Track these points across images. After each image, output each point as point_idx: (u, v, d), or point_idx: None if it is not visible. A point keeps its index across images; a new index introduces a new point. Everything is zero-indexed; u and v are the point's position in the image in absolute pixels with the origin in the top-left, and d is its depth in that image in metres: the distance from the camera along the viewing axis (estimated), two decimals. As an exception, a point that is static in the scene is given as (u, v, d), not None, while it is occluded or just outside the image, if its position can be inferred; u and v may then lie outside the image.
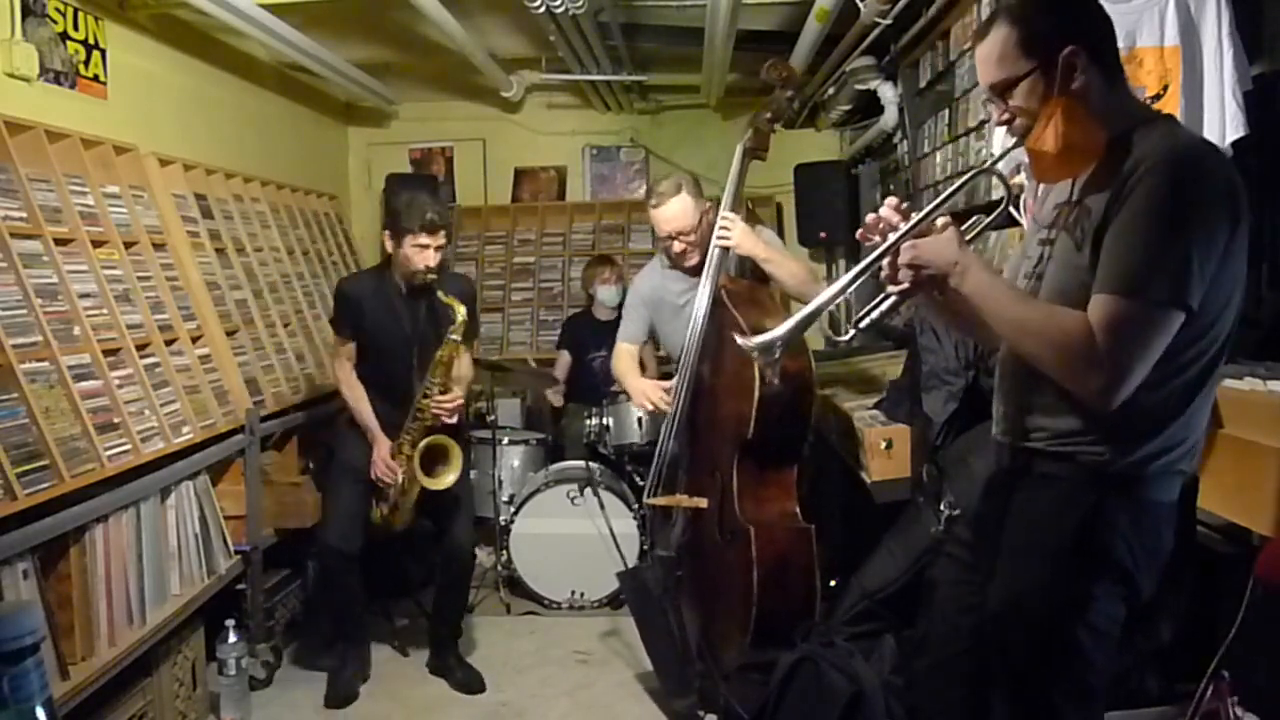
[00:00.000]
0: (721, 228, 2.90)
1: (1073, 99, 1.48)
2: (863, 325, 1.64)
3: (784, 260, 2.98)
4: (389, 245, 3.22)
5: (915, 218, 1.57)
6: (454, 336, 3.14)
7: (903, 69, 4.28)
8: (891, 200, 1.62)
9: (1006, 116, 1.56)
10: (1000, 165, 1.79)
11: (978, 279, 1.51)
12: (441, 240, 3.16)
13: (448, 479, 3.21)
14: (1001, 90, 1.54)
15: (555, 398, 4.79)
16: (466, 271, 5.92)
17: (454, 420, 3.23)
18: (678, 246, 3.05)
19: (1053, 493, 1.56)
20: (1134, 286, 1.39)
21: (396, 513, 3.30)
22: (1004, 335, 1.54)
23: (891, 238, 1.56)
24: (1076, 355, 1.42)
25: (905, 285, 1.56)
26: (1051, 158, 1.51)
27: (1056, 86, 1.48)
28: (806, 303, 1.67)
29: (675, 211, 3.00)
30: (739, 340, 1.69)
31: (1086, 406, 1.48)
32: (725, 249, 2.90)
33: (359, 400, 3.29)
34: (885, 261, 1.58)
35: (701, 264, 3.02)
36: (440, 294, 3.15)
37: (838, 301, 1.68)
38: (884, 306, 1.61)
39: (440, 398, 3.17)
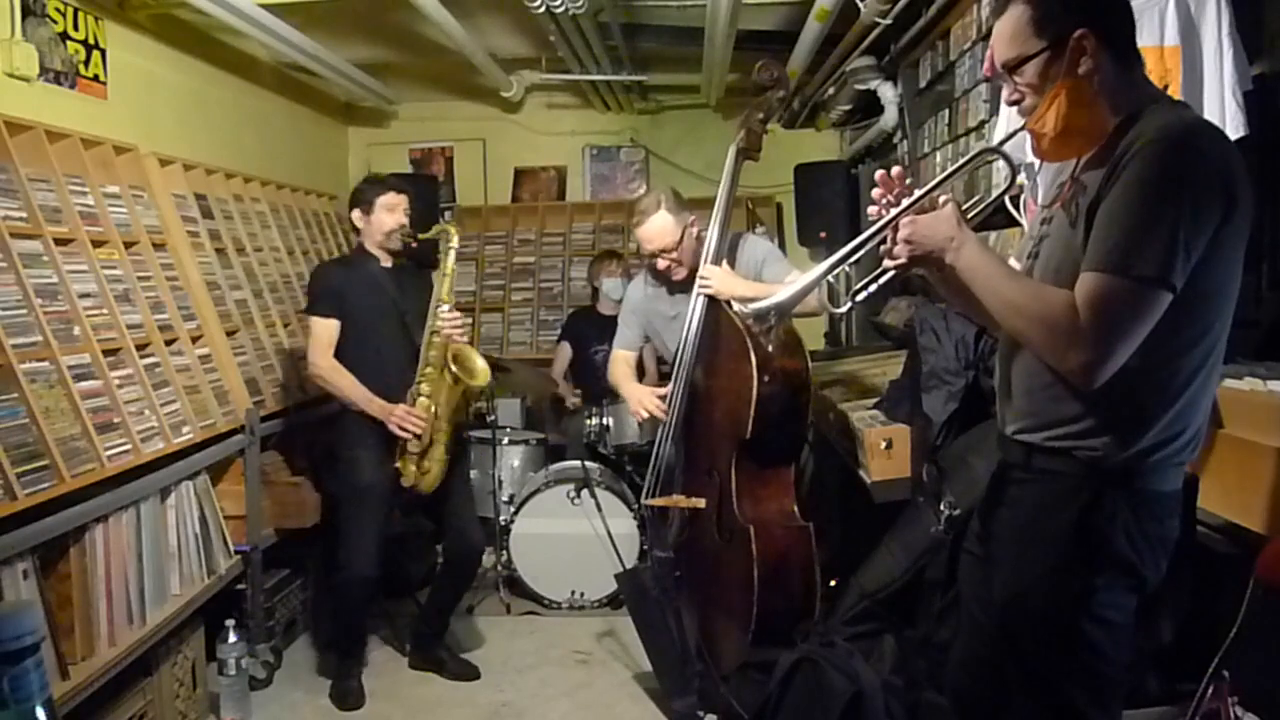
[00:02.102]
0: (702, 278, 2.89)
1: (1079, 82, 1.48)
2: (859, 297, 1.65)
3: (769, 291, 2.95)
4: (360, 221, 3.32)
5: (917, 193, 1.58)
6: (453, 245, 3.25)
7: (903, 69, 4.28)
8: (896, 170, 1.62)
9: (1016, 95, 1.57)
10: (1007, 148, 1.78)
11: (971, 256, 1.53)
12: (407, 204, 3.32)
13: (481, 377, 3.25)
14: (1012, 68, 1.55)
15: (571, 398, 4.73)
16: (466, 271, 5.93)
17: (465, 337, 3.28)
18: (661, 264, 3.05)
19: (1052, 487, 1.56)
20: (1118, 264, 1.39)
21: (427, 462, 3.22)
22: (994, 312, 1.54)
23: (892, 212, 1.58)
24: (1059, 332, 1.43)
25: (903, 259, 1.57)
26: (1051, 139, 1.51)
27: (1064, 68, 1.49)
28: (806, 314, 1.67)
29: (656, 230, 3.00)
30: (735, 305, 1.69)
31: (1077, 400, 1.48)
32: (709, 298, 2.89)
33: (350, 383, 3.18)
34: (885, 235, 1.59)
35: (689, 279, 3.02)
36: (422, 235, 3.29)
37: (835, 274, 1.67)
38: (882, 279, 1.62)
39: (448, 315, 3.20)
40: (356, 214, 3.32)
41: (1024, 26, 1.51)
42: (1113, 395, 1.45)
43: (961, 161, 1.71)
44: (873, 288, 1.63)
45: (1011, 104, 1.60)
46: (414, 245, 3.32)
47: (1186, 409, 1.48)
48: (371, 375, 3.21)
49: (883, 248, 1.61)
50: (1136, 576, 1.53)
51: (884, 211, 1.60)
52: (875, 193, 1.62)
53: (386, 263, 3.33)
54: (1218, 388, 1.94)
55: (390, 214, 3.27)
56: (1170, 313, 1.40)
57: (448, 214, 6.00)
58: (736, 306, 1.72)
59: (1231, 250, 1.44)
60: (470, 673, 3.40)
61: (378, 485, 3.23)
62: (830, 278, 1.67)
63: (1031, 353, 1.54)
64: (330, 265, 3.54)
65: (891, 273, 1.61)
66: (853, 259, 1.64)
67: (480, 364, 3.25)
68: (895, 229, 1.57)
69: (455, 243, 3.27)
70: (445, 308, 3.20)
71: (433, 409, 3.19)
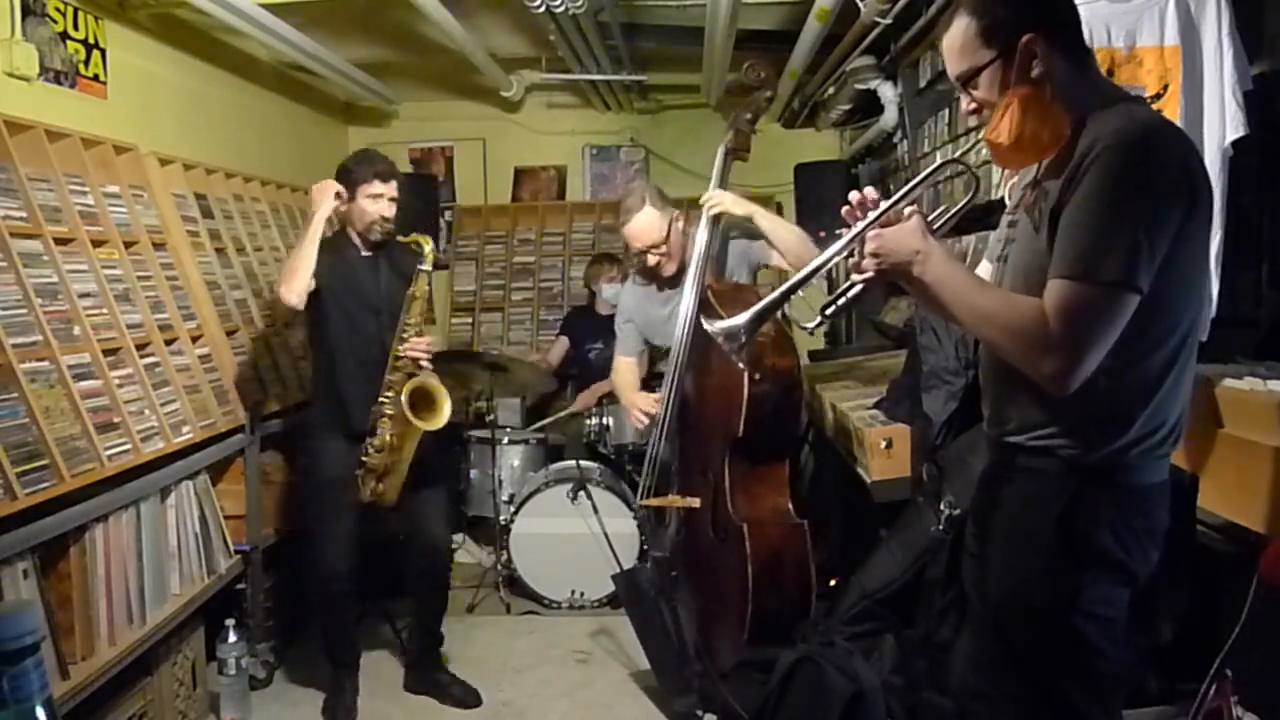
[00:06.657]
0: (708, 205, 2.96)
1: (1032, 88, 1.48)
2: (829, 313, 1.64)
3: (773, 218, 3.09)
4: (341, 204, 3.08)
5: (882, 206, 1.57)
6: (424, 267, 3.01)
7: (903, 69, 4.28)
8: (869, 190, 1.62)
9: (974, 107, 1.57)
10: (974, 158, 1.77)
11: (938, 268, 1.52)
12: (394, 192, 3.09)
13: (440, 419, 3.04)
14: (965, 81, 1.55)
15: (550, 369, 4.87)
16: (466, 271, 5.94)
17: (429, 365, 3.07)
18: (651, 260, 3.07)
19: (1035, 486, 1.57)
20: (1083, 270, 1.39)
21: (388, 479, 3.06)
22: (964, 323, 1.54)
23: (858, 226, 1.57)
24: (1030, 340, 1.43)
25: (870, 273, 1.56)
26: (1007, 147, 1.50)
27: (1015, 75, 1.48)
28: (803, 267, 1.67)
29: (643, 226, 3.01)
30: (704, 324, 1.69)
31: (1055, 400, 1.48)
32: (716, 218, 2.98)
33: (304, 249, 2.96)
34: (853, 249, 1.58)
35: (678, 274, 3.05)
36: (400, 238, 3.07)
37: (806, 287, 1.67)
38: (850, 294, 1.61)
39: (415, 340, 3.01)
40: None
41: (972, 38, 1.51)
42: (1089, 396, 1.45)
43: (924, 174, 1.68)
44: (841, 302, 1.62)
45: (972, 115, 1.60)
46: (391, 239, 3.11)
47: (1163, 404, 1.49)
48: (350, 372, 3.06)
49: (850, 261, 1.60)
50: (1125, 571, 1.53)
51: (852, 223, 1.59)
52: (855, 196, 1.61)
53: (366, 251, 3.13)
54: (1218, 387, 1.95)
55: (372, 203, 3.04)
56: (1138, 312, 1.41)
57: (448, 213, 6.00)
58: (705, 325, 1.72)
59: (1195, 246, 1.45)
60: (472, 699, 3.22)
61: (343, 477, 3.07)
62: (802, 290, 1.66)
63: (1015, 368, 1.53)
64: None
65: (859, 287, 1.60)
66: (819, 273, 1.64)
67: (444, 406, 3.04)
68: (863, 243, 1.56)
69: (429, 264, 3.00)
70: (410, 332, 3.01)
71: (389, 439, 3.01)
